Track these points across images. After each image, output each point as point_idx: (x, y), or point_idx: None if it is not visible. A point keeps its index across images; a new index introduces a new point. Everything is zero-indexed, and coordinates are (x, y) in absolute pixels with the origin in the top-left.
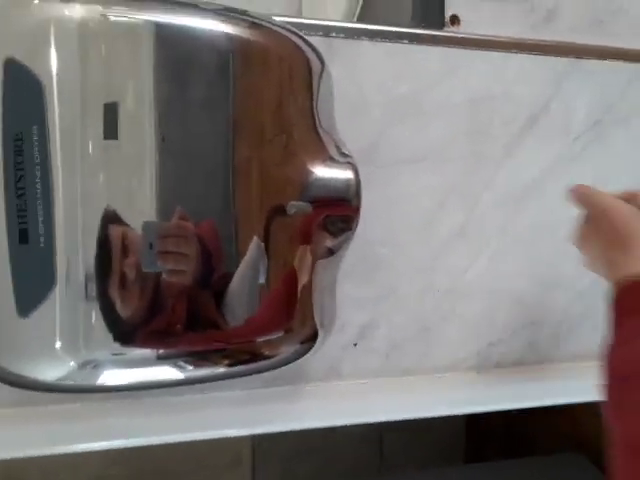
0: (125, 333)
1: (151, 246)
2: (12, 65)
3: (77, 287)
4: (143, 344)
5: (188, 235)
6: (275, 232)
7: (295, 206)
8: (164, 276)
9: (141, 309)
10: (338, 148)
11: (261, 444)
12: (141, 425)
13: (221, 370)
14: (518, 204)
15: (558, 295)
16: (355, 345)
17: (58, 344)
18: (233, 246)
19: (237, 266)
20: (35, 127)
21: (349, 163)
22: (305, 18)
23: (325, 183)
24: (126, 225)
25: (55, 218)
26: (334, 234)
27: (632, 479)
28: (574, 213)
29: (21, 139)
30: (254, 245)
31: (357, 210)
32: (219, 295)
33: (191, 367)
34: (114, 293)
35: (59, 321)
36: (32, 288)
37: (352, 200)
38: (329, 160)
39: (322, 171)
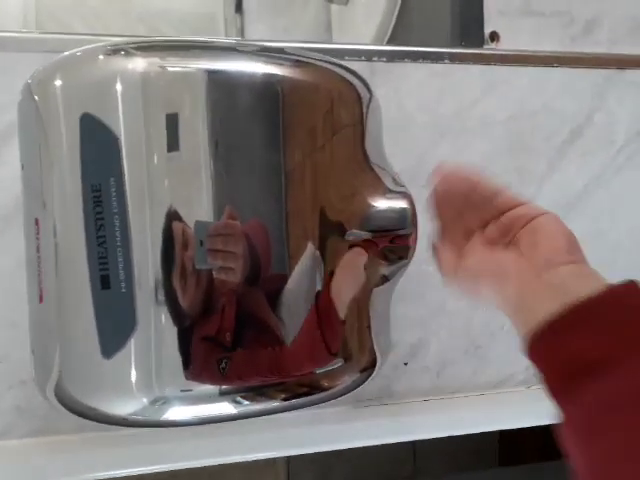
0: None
1: (202, 243)
2: (88, 120)
3: (153, 328)
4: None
5: (235, 233)
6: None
7: (354, 234)
8: (215, 275)
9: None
10: (392, 178)
11: None
12: (203, 447)
13: (281, 404)
14: (564, 218)
15: None
16: (406, 364)
17: (134, 382)
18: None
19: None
20: (112, 179)
21: (404, 193)
22: (347, 44)
23: (383, 215)
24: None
25: (134, 264)
26: (390, 262)
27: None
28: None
29: (99, 190)
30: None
31: (414, 240)
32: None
33: (248, 402)
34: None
35: (136, 361)
36: (114, 331)
37: (409, 230)
38: (387, 192)
39: (381, 203)
